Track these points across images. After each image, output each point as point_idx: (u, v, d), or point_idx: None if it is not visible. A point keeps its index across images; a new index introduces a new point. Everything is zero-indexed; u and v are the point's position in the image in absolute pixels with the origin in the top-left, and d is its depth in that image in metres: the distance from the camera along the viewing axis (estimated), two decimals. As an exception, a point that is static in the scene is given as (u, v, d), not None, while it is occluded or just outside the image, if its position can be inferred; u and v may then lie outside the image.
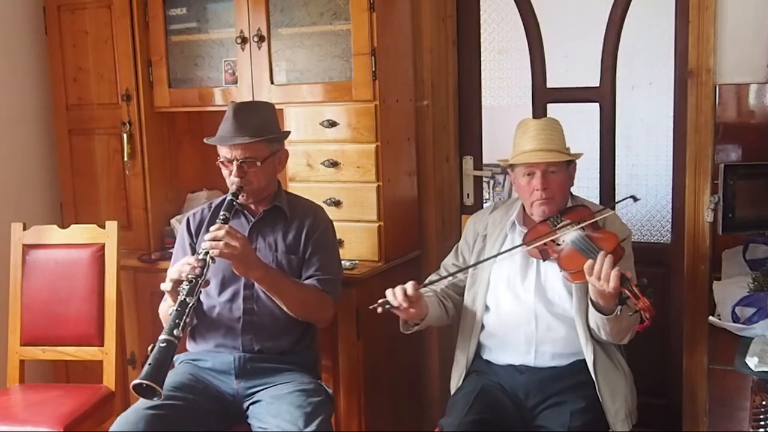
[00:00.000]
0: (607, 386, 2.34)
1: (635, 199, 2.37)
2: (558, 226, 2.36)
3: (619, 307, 2.14)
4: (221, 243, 2.29)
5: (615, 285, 2.08)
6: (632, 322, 2.22)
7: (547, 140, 2.42)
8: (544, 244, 2.34)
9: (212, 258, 2.29)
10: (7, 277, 2.99)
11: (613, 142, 3.12)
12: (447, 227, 3.34)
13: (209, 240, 2.31)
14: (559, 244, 2.32)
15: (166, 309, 2.37)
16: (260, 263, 2.41)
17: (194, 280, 2.25)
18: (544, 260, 2.39)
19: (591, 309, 2.26)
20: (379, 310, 2.28)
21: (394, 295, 2.27)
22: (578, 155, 2.48)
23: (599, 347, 2.37)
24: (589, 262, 2.15)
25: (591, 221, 2.31)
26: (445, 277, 2.52)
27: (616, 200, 2.41)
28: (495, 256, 2.42)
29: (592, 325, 2.31)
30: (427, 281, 2.51)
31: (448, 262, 2.66)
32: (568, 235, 2.30)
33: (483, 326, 2.50)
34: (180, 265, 2.33)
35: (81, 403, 2.71)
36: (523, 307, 2.43)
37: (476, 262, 2.44)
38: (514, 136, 2.51)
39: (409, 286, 2.29)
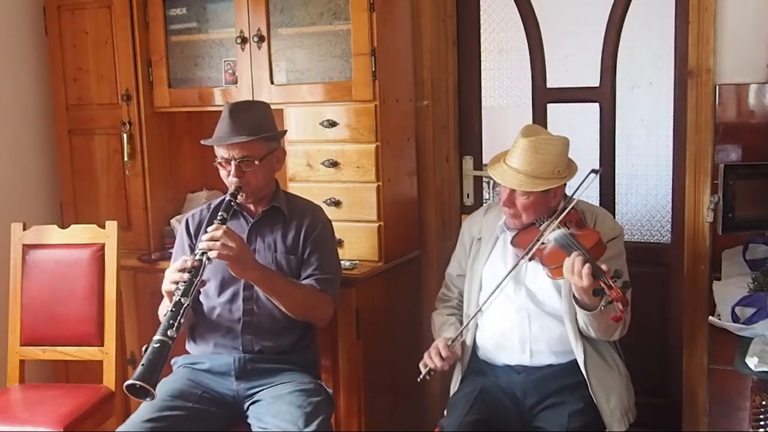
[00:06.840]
0: (601, 386, 2.34)
1: (596, 172, 2.39)
2: (542, 225, 2.37)
3: (602, 303, 2.17)
4: (218, 243, 2.29)
5: (588, 278, 2.12)
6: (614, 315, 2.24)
7: (527, 162, 2.34)
8: (534, 246, 2.35)
9: (209, 258, 2.29)
10: (7, 277, 2.99)
11: (613, 142, 3.12)
12: (447, 227, 3.34)
13: (206, 240, 2.31)
14: (543, 243, 2.34)
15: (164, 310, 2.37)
16: (257, 264, 2.41)
17: (190, 281, 2.25)
18: (530, 260, 2.39)
19: (576, 307, 2.27)
20: (428, 377, 2.45)
21: (432, 361, 2.41)
22: (559, 181, 2.36)
23: (590, 346, 2.38)
24: (567, 259, 2.18)
25: (566, 212, 2.32)
26: (468, 323, 2.49)
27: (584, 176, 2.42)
28: (504, 279, 2.41)
29: (581, 323, 2.32)
30: (455, 337, 2.48)
31: (453, 273, 2.69)
32: (552, 234, 2.32)
33: (477, 327, 2.51)
34: (177, 265, 2.33)
35: (81, 403, 2.71)
36: (515, 308, 2.44)
37: (494, 289, 2.43)
38: None
39: (442, 347, 2.42)
